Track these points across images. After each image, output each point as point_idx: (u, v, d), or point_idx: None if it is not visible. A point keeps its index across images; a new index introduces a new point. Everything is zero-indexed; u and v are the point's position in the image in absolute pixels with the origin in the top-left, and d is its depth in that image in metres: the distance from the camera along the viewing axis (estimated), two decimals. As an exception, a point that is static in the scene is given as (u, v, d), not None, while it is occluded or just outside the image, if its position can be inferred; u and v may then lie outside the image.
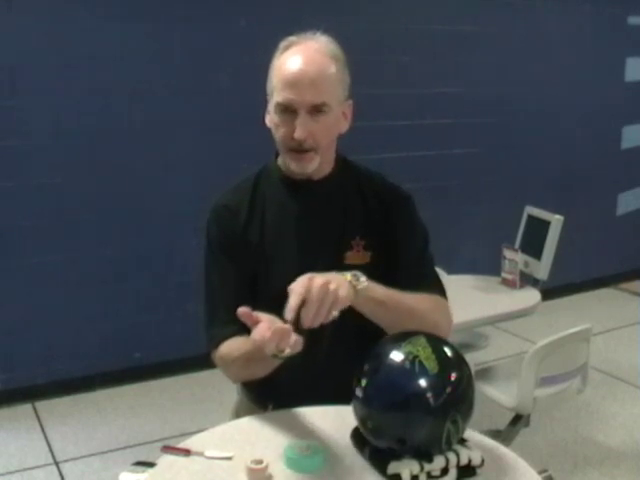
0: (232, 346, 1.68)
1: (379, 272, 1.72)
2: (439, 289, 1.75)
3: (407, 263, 1.73)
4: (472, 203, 4.75)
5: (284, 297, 1.70)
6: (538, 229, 3.27)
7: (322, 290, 1.40)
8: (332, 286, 1.41)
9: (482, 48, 4.61)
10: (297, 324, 1.39)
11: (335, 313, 1.41)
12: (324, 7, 3.91)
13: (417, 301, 1.63)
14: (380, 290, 1.56)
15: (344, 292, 1.44)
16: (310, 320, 1.38)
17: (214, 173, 3.71)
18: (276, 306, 1.70)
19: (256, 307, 1.73)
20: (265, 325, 1.40)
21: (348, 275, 1.50)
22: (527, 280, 3.27)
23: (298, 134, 1.60)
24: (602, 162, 5.26)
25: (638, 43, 5.29)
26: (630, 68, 5.28)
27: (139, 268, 3.84)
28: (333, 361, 1.65)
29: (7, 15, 3.34)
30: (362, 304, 1.52)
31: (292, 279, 1.71)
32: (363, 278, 1.51)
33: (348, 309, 1.70)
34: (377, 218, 1.74)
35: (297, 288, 1.40)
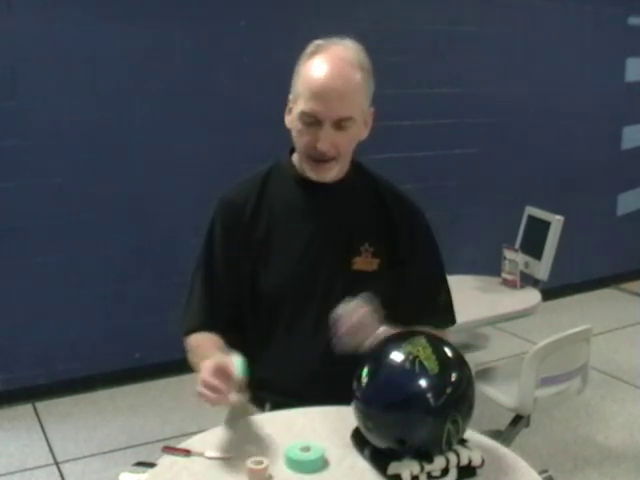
0: (198, 343, 1.72)
1: (385, 281, 1.73)
2: (450, 321, 1.79)
3: (425, 288, 1.77)
4: (472, 203, 4.74)
5: (284, 293, 1.71)
6: (538, 229, 3.27)
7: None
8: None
9: (482, 48, 4.61)
10: None
11: None
12: (324, 7, 3.91)
13: None
14: None
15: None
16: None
17: (214, 173, 3.72)
18: (273, 300, 1.72)
19: (255, 302, 1.74)
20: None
21: None
22: (527, 280, 3.27)
23: (322, 146, 1.60)
24: (602, 162, 5.26)
25: (638, 43, 5.29)
26: (630, 68, 5.27)
27: (139, 268, 3.84)
28: (329, 360, 1.66)
29: (7, 15, 3.34)
30: None
31: (294, 277, 1.72)
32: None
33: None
34: (391, 228, 1.74)
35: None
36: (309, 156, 1.65)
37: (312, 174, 1.67)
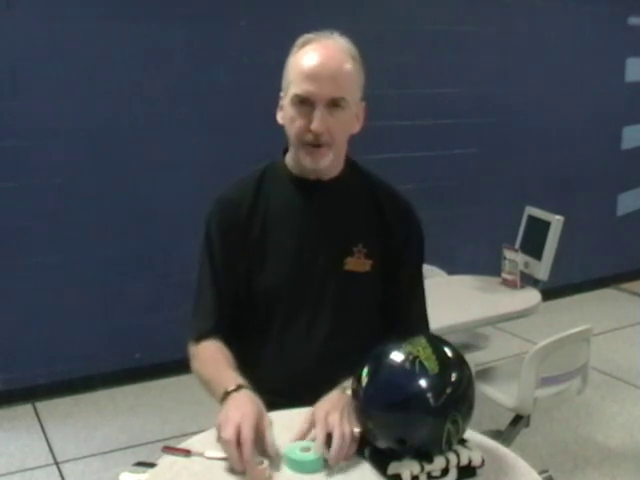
0: (206, 354, 1.69)
1: (377, 282, 1.73)
2: (424, 328, 1.78)
3: (403, 293, 1.77)
4: (472, 203, 4.74)
5: (278, 294, 1.71)
6: (538, 229, 3.27)
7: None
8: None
9: (482, 48, 4.61)
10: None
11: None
12: (324, 7, 3.91)
13: None
14: None
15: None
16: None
17: (214, 173, 3.70)
18: (268, 300, 1.72)
19: (251, 302, 1.74)
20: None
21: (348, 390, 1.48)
22: (527, 280, 3.27)
23: (315, 126, 1.59)
24: (602, 162, 5.26)
25: (638, 43, 5.29)
26: (630, 68, 5.28)
27: (139, 268, 3.84)
28: (325, 360, 1.66)
29: (7, 15, 3.34)
30: None
31: (288, 277, 1.72)
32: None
33: (344, 311, 1.71)
34: (386, 227, 1.74)
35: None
36: (303, 142, 1.64)
37: (307, 161, 1.66)
